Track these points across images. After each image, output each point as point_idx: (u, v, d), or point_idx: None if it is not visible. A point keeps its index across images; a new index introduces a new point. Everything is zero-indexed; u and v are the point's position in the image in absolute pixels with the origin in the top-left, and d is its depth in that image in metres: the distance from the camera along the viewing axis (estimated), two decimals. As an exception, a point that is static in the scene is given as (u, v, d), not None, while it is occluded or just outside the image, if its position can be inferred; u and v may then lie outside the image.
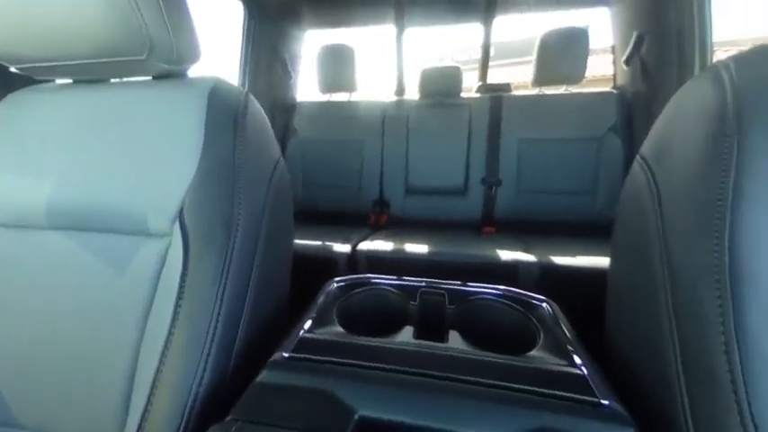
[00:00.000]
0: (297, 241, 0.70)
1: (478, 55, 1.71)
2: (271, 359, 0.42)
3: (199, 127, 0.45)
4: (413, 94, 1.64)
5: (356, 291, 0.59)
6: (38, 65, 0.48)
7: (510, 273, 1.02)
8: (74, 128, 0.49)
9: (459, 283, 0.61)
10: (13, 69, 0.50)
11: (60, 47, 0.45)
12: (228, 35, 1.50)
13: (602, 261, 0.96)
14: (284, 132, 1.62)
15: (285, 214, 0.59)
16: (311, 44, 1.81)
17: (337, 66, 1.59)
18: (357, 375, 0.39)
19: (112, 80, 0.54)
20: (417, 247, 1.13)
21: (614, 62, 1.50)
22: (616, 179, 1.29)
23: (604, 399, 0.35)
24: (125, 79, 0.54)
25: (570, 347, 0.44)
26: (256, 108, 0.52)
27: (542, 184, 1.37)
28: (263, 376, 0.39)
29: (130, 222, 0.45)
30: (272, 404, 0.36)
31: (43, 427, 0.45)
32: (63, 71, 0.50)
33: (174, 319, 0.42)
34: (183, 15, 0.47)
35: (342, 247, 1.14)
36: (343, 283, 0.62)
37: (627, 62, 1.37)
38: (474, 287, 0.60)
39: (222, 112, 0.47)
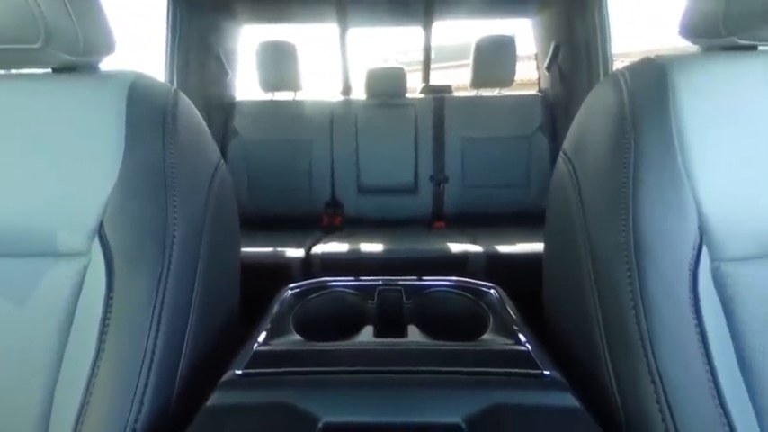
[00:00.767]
0: (245, 249, 0.67)
1: (420, 57, 1.77)
2: (222, 379, 0.39)
3: (117, 126, 0.40)
4: (359, 93, 1.65)
5: (312, 296, 0.58)
6: None
7: (460, 263, 1.10)
8: None
9: (414, 278, 0.63)
10: None
11: None
12: (158, 28, 1.36)
13: (539, 247, 1.06)
14: (223, 133, 1.52)
15: (229, 221, 0.56)
16: (250, 41, 1.72)
17: (279, 63, 1.54)
18: (318, 382, 0.38)
19: (1, 72, 0.46)
20: (372, 246, 1.14)
21: (537, 68, 1.67)
22: (545, 173, 1.44)
23: (546, 370, 0.39)
24: (18, 71, 0.46)
25: (516, 327, 0.48)
26: (188, 106, 0.47)
27: (484, 180, 1.48)
28: (214, 399, 0.36)
29: (31, 242, 0.39)
30: (225, 428, 0.33)
31: None
32: None
33: (99, 351, 0.37)
34: (90, 0, 0.42)
35: (295, 252, 1.12)
36: (298, 290, 0.60)
37: (548, 69, 1.55)
38: (428, 281, 0.62)
39: (147, 110, 0.42)
